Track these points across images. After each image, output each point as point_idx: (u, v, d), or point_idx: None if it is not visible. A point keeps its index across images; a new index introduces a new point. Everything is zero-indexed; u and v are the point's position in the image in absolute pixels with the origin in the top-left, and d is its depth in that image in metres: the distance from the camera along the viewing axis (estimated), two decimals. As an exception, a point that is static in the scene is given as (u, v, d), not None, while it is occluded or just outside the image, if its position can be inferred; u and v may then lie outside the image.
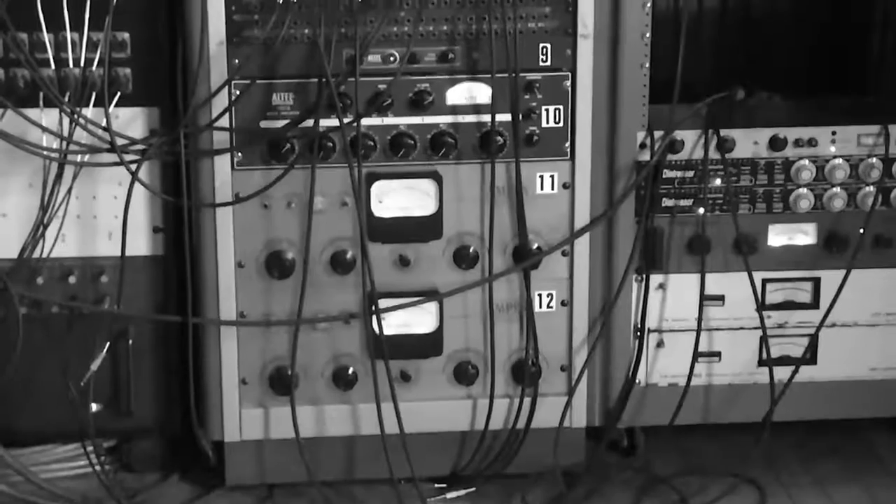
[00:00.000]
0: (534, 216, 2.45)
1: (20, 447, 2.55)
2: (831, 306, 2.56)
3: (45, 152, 2.35)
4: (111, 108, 2.36)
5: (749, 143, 2.53)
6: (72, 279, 2.47)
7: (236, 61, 2.35)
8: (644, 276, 2.55)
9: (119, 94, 2.40)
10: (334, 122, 2.33)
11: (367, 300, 2.42)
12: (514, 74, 2.37)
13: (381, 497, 2.53)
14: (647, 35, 2.44)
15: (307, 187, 2.37)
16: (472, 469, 2.57)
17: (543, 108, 2.42)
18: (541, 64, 2.40)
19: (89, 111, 2.36)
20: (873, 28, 2.86)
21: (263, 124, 2.39)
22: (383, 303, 2.43)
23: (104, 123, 2.31)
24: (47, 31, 2.35)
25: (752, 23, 3.00)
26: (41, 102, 2.36)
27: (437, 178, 2.43)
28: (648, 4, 2.42)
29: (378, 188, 2.42)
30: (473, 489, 2.56)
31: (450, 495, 2.54)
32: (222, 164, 2.39)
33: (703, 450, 2.71)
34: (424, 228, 2.45)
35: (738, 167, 2.53)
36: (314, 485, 2.51)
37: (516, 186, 2.42)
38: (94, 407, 2.47)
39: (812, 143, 2.53)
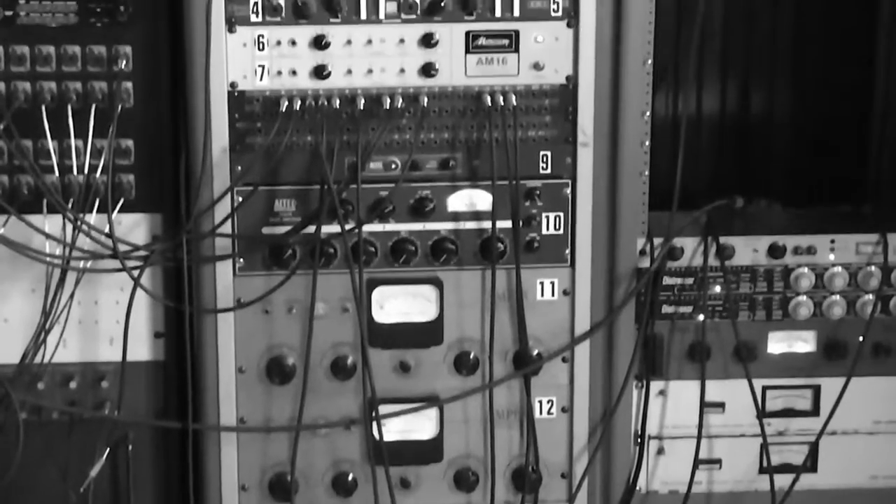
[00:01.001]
0: (534, 322, 2.46)
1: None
2: (831, 414, 2.56)
3: (47, 258, 2.36)
4: (114, 215, 2.38)
5: (748, 250, 2.54)
6: (72, 384, 2.47)
7: (239, 168, 2.37)
8: (644, 382, 2.55)
9: (122, 200, 2.41)
10: (336, 228, 2.35)
11: (368, 406, 2.42)
12: (514, 182, 2.39)
13: None
14: (647, 143, 2.46)
15: (308, 293, 2.38)
16: (472, 577, 2.56)
17: (544, 215, 2.44)
18: (541, 171, 2.42)
19: (92, 217, 2.37)
20: (871, 140, 2.89)
21: (265, 230, 2.40)
22: (383, 409, 2.43)
23: (107, 230, 2.33)
24: (52, 139, 2.37)
25: (750, 129, 3.02)
26: (44, 209, 2.38)
27: (438, 284, 2.44)
28: (647, 113, 2.44)
29: (379, 294, 2.43)
30: None
31: None
32: (224, 269, 2.40)
33: (704, 557, 2.70)
34: (425, 334, 2.45)
35: (737, 274, 2.54)
36: (313, 592, 2.50)
37: (517, 293, 2.43)
38: (93, 513, 2.46)
39: (811, 251, 2.54)
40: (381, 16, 2.35)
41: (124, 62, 2.37)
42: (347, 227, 2.35)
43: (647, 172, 2.48)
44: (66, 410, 2.46)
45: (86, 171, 2.38)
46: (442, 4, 2.35)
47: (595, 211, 2.45)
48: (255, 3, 2.33)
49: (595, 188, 2.44)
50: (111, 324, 2.46)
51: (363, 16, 2.35)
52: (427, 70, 2.37)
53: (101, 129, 2.37)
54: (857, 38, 3.01)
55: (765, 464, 2.58)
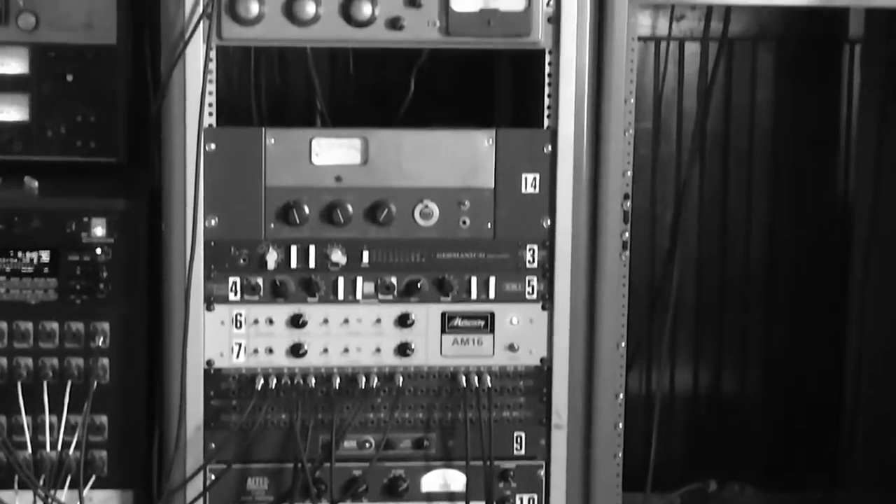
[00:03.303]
0: None
1: None
2: None
3: (16, 535, 2.34)
4: (86, 492, 2.36)
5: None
6: None
7: (212, 445, 2.36)
8: None
9: (94, 477, 2.40)
10: (309, 507, 2.34)
11: None
12: (488, 463, 2.39)
13: None
14: (620, 426, 2.46)
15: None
16: None
17: (518, 496, 2.42)
18: (515, 453, 2.42)
19: (64, 494, 2.35)
20: (843, 422, 2.91)
21: (237, 511, 2.39)
22: None
23: (78, 507, 2.32)
24: (26, 415, 2.36)
25: (723, 407, 3.04)
26: (16, 485, 2.36)
27: (411, 566, 2.41)
28: (621, 395, 2.46)
29: (351, 575, 2.41)
30: None
31: None
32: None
33: None
34: None
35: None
36: None
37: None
38: None
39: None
40: (359, 296, 2.39)
41: (102, 339, 2.39)
42: (320, 506, 2.34)
43: (620, 454, 2.48)
44: None
45: (59, 447, 2.37)
46: (419, 286, 2.38)
47: (569, 493, 2.44)
48: (234, 283, 2.36)
49: (569, 470, 2.44)
50: None
51: (340, 296, 2.38)
52: (403, 350, 2.39)
53: (76, 405, 2.36)
54: (828, 320, 3.06)
55: None
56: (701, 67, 2.89)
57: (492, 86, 2.83)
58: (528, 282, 2.40)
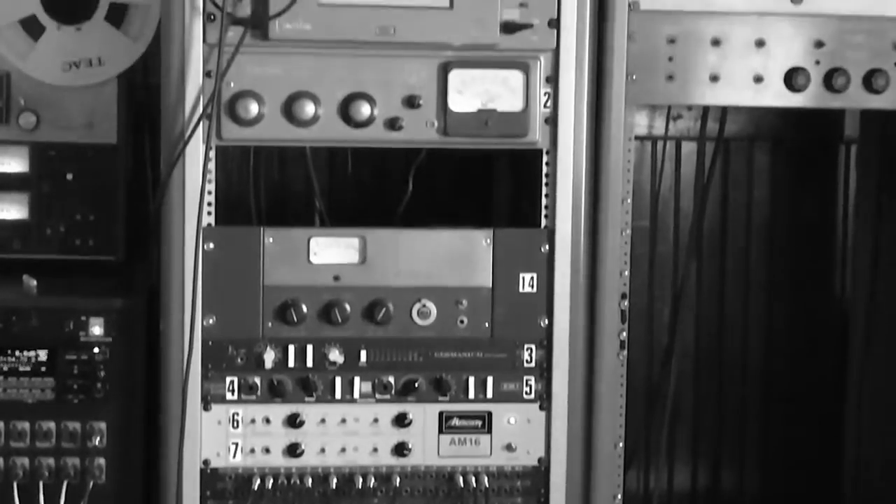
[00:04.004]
0: None
1: None
2: None
3: None
4: (79, 593, 2.35)
5: None
6: None
7: (209, 548, 2.35)
8: None
9: None
10: None
11: None
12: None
13: None
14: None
15: None
16: None
17: None
18: (513, 557, 2.42)
19: None
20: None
21: None
22: None
23: None
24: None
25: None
26: (10, 586, 2.35)
27: None
28: (619, 496, 2.44)
29: None
30: None
31: None
32: None
33: None
34: None
35: None
36: None
37: None
38: None
39: None
40: (356, 395, 2.38)
41: (98, 438, 2.38)
42: None
43: None
44: None
45: (53, 552, 2.36)
46: (416, 385, 2.38)
47: None
48: (232, 382, 2.36)
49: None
50: None
51: (338, 395, 2.38)
52: (400, 450, 2.39)
53: (72, 504, 2.36)
54: (826, 420, 3.06)
55: None
56: (698, 166, 2.90)
57: (490, 184, 2.84)
58: (526, 381, 2.40)
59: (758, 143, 3.09)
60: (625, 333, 2.41)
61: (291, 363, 2.36)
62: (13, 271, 2.50)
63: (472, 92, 2.34)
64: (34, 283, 2.44)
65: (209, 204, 2.33)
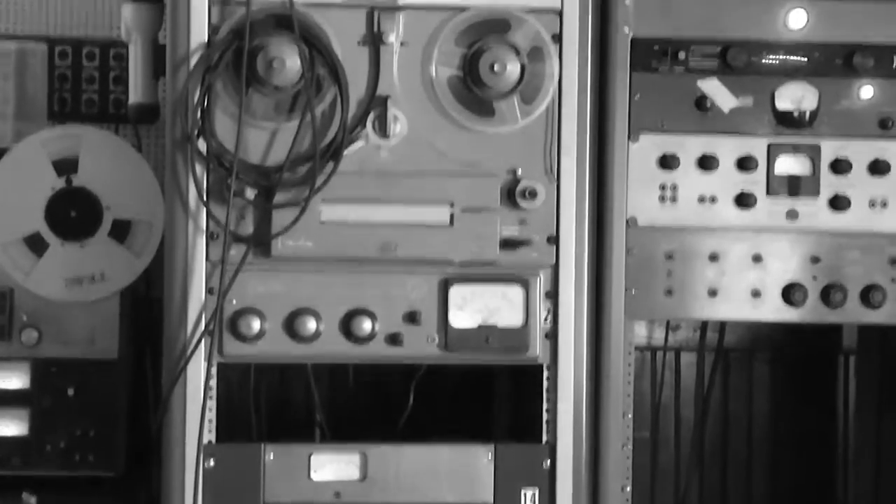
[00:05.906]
0: None
1: None
2: None
3: None
4: None
5: None
6: None
7: None
8: None
9: None
10: None
11: None
12: None
13: None
14: None
15: None
16: None
17: None
18: None
19: None
20: None
21: None
22: None
23: None
24: None
25: None
26: None
27: None
28: None
29: None
30: None
31: None
32: None
33: None
34: None
35: None
36: None
37: None
38: None
39: None
40: None
41: None
42: None
43: None
44: None
45: None
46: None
47: None
48: None
49: None
50: None
51: None
52: None
53: None
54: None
55: None
56: (697, 377, 2.91)
57: (491, 397, 2.84)
58: None
59: (757, 355, 3.10)
60: (629, 549, 2.40)
61: (293, 584, 2.34)
62: (13, 488, 2.49)
63: (472, 307, 2.36)
64: (34, 500, 2.42)
65: (210, 421, 2.32)
